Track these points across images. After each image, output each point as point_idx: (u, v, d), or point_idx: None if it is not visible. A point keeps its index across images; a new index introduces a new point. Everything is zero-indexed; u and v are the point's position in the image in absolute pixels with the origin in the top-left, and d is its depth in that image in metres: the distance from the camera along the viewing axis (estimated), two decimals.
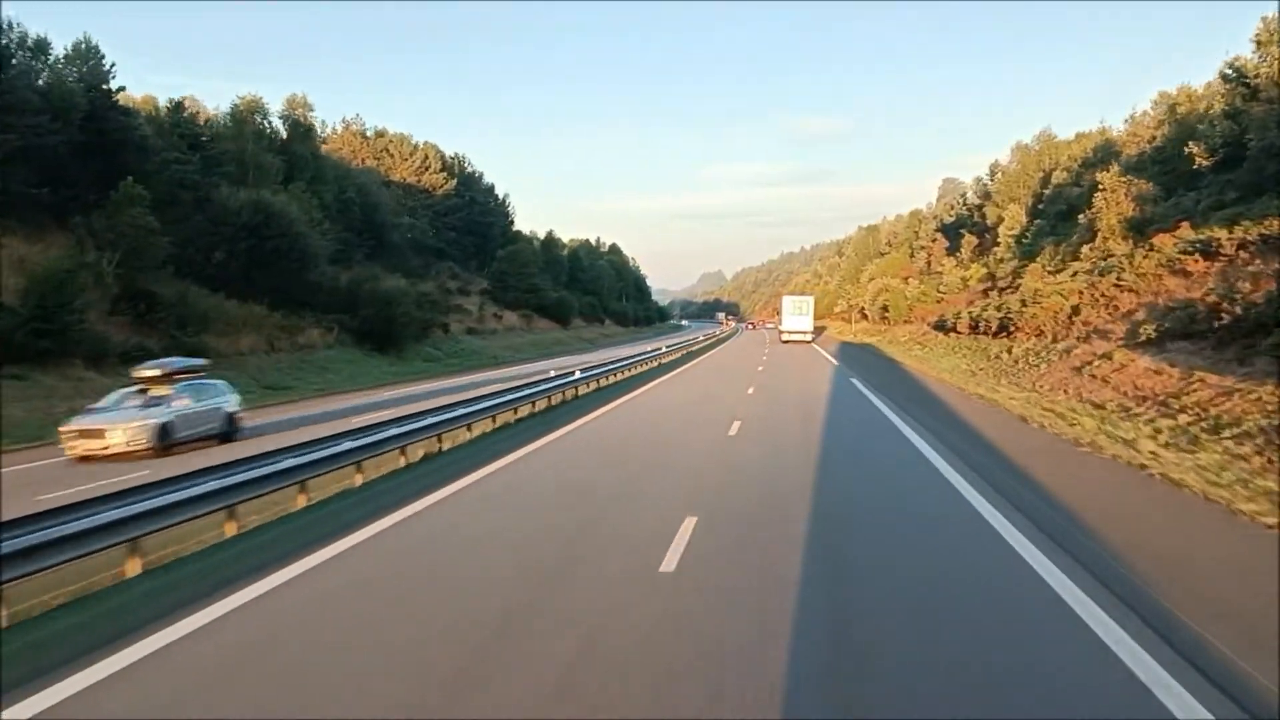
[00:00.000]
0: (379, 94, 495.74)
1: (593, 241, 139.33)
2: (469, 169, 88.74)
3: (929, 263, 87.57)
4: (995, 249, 62.22)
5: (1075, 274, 33.10)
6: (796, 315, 62.86)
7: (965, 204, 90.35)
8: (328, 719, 4.28)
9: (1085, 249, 36.28)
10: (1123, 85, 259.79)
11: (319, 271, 37.15)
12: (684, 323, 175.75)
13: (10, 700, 4.48)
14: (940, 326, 46.23)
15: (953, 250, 79.44)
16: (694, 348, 52.90)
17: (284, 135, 51.08)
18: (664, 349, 40.21)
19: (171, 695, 4.62)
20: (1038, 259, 43.44)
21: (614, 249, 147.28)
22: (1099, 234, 35.95)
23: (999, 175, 75.68)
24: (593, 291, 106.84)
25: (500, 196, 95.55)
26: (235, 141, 45.31)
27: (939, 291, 59.31)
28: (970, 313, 39.95)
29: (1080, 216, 40.53)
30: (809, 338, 61.77)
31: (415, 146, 76.59)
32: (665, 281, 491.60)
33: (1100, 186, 37.18)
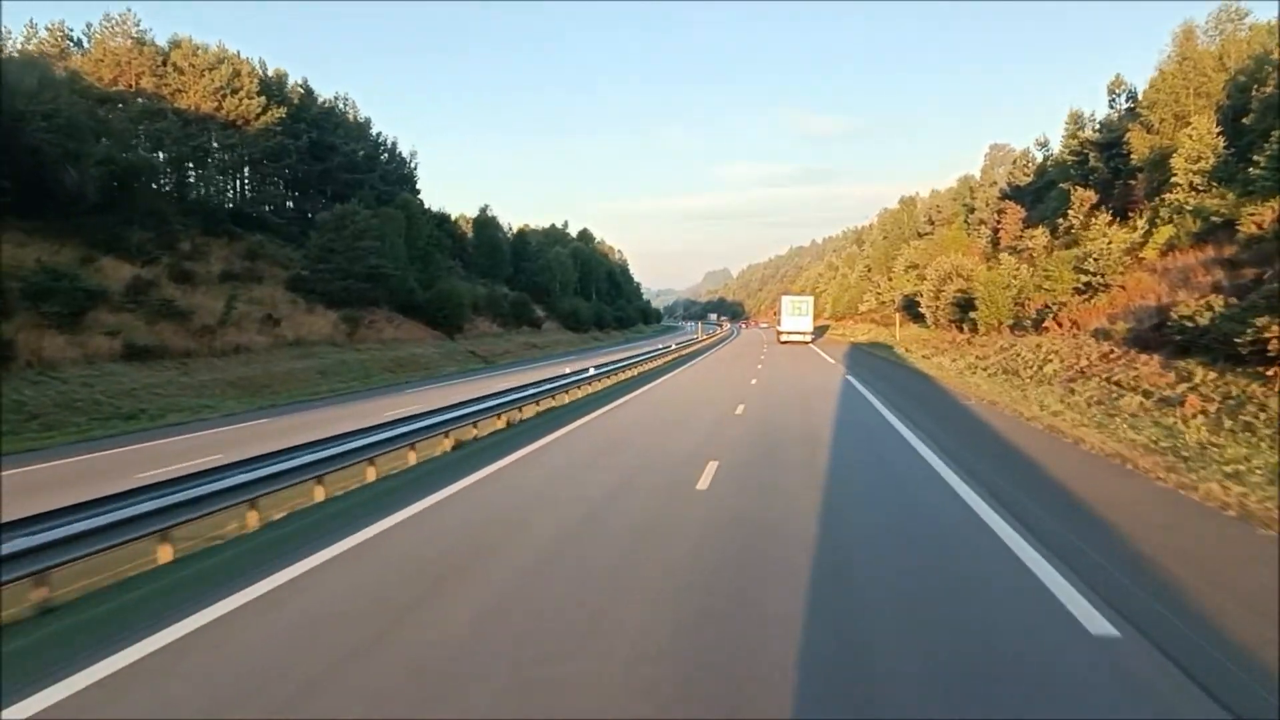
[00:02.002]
0: (382, 95, 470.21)
1: (559, 226, 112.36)
2: (336, 104, 61.85)
3: (997, 239, 61.33)
4: (1166, 195, 34.78)
5: None
6: (795, 316, 63.36)
7: (1053, 153, 62.95)
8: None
9: None
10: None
11: None
12: (686, 325, 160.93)
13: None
14: (1178, 345, 18.67)
15: (1038, 219, 52.88)
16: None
17: None
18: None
19: None
20: None
21: (584, 235, 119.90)
22: None
23: (1145, 89, 47.90)
24: (538, 285, 79.64)
25: (404, 154, 68.97)
26: None
27: (1083, 272, 31.58)
28: None
29: None
30: (808, 338, 63.00)
31: (221, 58, 49.51)
32: (670, 281, 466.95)
33: None
